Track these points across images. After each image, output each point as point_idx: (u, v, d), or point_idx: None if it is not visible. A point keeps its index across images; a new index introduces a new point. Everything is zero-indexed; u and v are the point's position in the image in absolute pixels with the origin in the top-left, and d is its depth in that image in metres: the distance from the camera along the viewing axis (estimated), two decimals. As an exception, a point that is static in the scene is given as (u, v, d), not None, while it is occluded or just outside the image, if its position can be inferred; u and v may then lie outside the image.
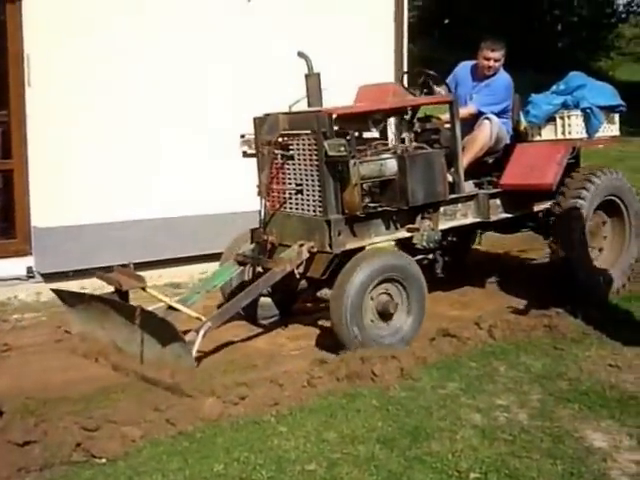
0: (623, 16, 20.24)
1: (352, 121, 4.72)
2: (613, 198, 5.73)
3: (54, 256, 5.83)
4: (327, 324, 4.76)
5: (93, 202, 5.99)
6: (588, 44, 19.31)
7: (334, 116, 4.52)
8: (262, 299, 4.87)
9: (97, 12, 5.96)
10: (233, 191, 6.64)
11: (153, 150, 6.27)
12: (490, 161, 5.66)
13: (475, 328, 4.62)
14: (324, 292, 4.72)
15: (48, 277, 5.87)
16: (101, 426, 3.24)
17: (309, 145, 4.54)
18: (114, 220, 6.07)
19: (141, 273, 6.15)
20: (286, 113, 4.70)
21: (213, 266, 6.50)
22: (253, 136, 4.92)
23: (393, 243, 4.90)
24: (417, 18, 19.15)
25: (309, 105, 4.90)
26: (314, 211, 4.59)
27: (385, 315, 4.39)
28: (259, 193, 4.84)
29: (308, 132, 4.52)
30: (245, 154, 5.06)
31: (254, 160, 5.00)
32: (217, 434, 3.26)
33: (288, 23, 6.90)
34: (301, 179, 4.65)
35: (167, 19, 6.29)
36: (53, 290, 4.97)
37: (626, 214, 5.85)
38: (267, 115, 4.78)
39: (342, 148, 4.28)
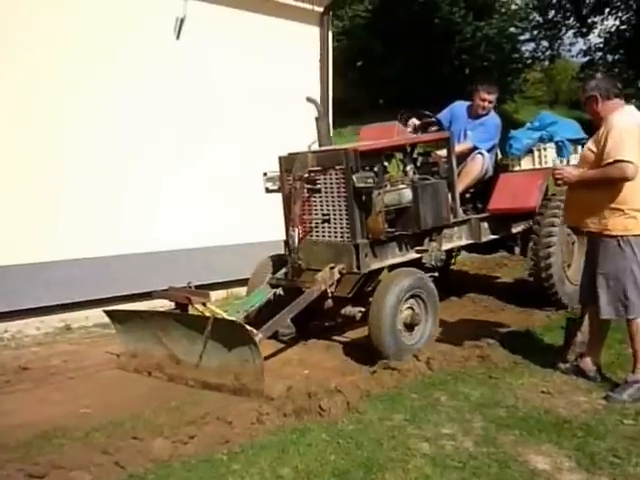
0: (529, 62, 21.34)
1: (368, 157, 5.16)
2: None
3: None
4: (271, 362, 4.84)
5: (19, 243, 5.80)
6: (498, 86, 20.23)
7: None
8: None
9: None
10: (161, 232, 6.64)
11: (78, 189, 6.15)
12: (473, 190, 6.29)
13: (413, 360, 4.74)
14: (348, 309, 5.22)
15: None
16: (48, 472, 3.15)
17: (336, 178, 5.06)
18: (41, 261, 5.90)
19: (66, 315, 6.08)
20: (313, 152, 5.29)
21: (145, 305, 6.46)
22: (276, 173, 5.43)
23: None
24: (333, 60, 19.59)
25: (320, 145, 5.53)
26: (341, 237, 5.11)
27: (410, 326, 4.96)
28: (289, 223, 5.21)
29: (336, 167, 5.03)
30: (268, 190, 5.54)
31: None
32: (169, 475, 3.21)
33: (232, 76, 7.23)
34: (328, 209, 5.18)
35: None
36: (105, 311, 5.10)
37: None
38: (292, 154, 5.30)
39: (370, 180, 4.87)
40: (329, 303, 5.32)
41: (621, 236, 4.16)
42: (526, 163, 6.55)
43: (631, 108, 4.36)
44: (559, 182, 4.44)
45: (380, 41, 21.42)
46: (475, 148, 6.29)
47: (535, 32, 20.52)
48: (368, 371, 4.68)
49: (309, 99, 5.58)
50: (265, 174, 5.53)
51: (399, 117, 6.06)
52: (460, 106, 6.64)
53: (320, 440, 3.56)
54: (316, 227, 5.27)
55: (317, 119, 5.60)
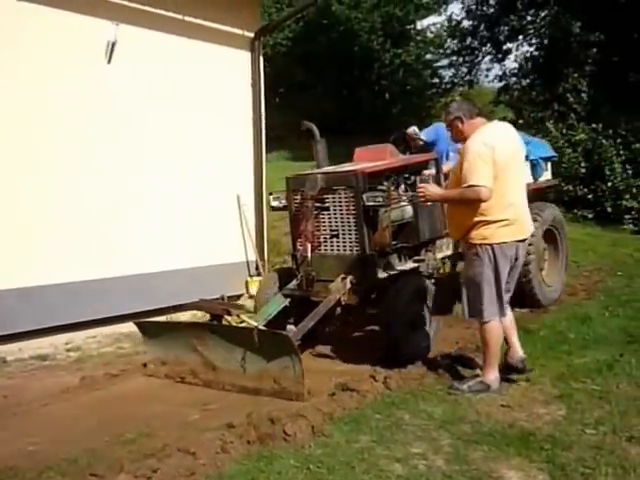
0: (448, 87, 21.99)
1: (372, 177, 5.51)
2: (551, 228, 7.18)
3: None
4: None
5: None
6: (418, 111, 20.86)
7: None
8: (288, 326, 5.42)
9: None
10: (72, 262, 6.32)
11: (8, 218, 5.83)
12: None
13: (371, 380, 4.68)
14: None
15: None
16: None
17: (346, 197, 5.43)
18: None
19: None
20: (323, 173, 5.67)
21: (78, 335, 6.18)
22: (283, 192, 5.81)
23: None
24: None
25: (318, 166, 6.00)
26: (350, 250, 5.47)
27: (416, 326, 5.28)
28: (297, 239, 5.70)
29: (346, 187, 5.42)
30: (273, 208, 5.99)
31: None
32: (135, 512, 3.01)
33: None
34: (337, 225, 5.53)
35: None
36: (135, 322, 5.38)
37: (559, 241, 7.37)
38: (300, 175, 5.80)
39: (379, 199, 5.25)
40: (338, 310, 5.65)
41: (479, 244, 4.46)
42: None
43: (493, 124, 4.69)
44: (421, 199, 4.74)
45: (301, 68, 21.68)
46: None
47: (454, 58, 21.17)
48: (325, 393, 4.55)
49: (305, 124, 6.12)
50: (271, 193, 6.00)
51: (391, 139, 6.41)
52: (444, 129, 6.98)
53: (289, 467, 3.43)
54: (324, 242, 5.61)
55: (315, 142, 6.07)
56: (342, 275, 5.36)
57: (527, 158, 6.87)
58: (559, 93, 15.49)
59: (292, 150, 18.62)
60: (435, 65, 23.08)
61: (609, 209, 12.95)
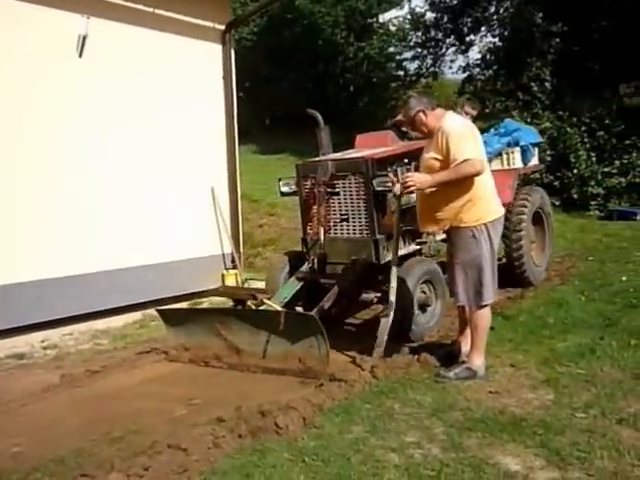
0: (414, 79, 22.08)
1: (379, 163, 5.66)
2: (539, 210, 7.47)
3: None
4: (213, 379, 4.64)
5: None
6: (384, 103, 20.91)
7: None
8: (296, 308, 5.55)
9: None
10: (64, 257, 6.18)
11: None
12: None
13: (358, 370, 4.63)
14: (364, 296, 5.79)
15: None
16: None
17: (356, 183, 5.64)
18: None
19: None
20: (333, 159, 5.83)
21: (56, 332, 6.02)
22: (292, 179, 6.01)
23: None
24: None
25: (322, 153, 6.18)
26: (360, 233, 5.69)
27: (423, 307, 5.52)
28: (307, 223, 5.92)
29: (355, 173, 5.62)
30: (283, 194, 6.19)
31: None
32: (130, 512, 2.91)
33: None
34: (347, 210, 5.74)
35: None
36: (157, 310, 5.51)
37: (546, 223, 7.69)
38: (311, 162, 6.00)
39: (388, 184, 5.27)
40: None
41: (474, 226, 4.50)
42: (496, 164, 7.20)
43: (452, 113, 4.77)
44: (412, 189, 4.61)
45: (266, 62, 21.57)
46: None
47: (418, 50, 21.30)
48: (313, 384, 4.48)
49: (309, 111, 6.33)
50: (280, 179, 6.15)
51: (391, 126, 6.55)
52: None
53: (284, 460, 3.37)
54: (335, 225, 5.80)
55: (319, 129, 6.26)
56: (353, 257, 5.59)
57: (518, 144, 7.21)
58: (523, 82, 15.64)
59: (259, 143, 18.49)
60: (399, 58, 23.19)
61: (575, 196, 13.16)
